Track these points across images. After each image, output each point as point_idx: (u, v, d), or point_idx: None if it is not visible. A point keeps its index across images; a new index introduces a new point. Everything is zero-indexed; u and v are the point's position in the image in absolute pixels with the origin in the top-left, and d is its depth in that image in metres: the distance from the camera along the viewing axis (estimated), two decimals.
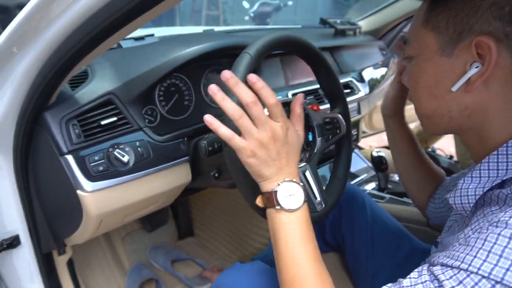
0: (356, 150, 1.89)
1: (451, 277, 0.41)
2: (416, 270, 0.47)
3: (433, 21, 0.51)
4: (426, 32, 0.52)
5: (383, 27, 1.72)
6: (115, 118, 0.74)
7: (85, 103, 0.71)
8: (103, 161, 0.71)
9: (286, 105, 0.82)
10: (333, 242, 0.96)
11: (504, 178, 0.48)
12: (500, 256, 0.39)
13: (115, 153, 0.72)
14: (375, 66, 1.64)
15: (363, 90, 1.37)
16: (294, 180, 0.56)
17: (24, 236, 0.86)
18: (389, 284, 0.49)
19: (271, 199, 0.54)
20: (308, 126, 0.83)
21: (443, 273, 0.43)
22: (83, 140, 0.70)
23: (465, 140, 0.57)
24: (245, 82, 0.65)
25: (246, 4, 5.46)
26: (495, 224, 0.41)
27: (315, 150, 0.81)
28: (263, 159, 0.54)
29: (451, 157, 1.61)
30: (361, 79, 1.43)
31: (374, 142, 2.96)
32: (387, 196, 1.18)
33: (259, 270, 0.69)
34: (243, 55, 0.67)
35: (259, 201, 0.58)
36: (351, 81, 1.36)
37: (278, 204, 0.54)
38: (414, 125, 2.29)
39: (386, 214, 0.92)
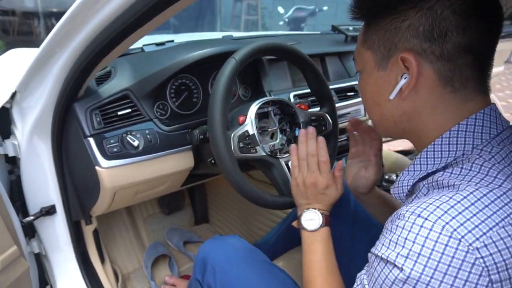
0: None
1: (373, 260, 0.52)
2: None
3: (368, 41, 0.59)
4: (364, 51, 0.60)
5: None
6: (129, 110, 0.90)
7: (106, 97, 0.88)
8: (117, 144, 0.87)
9: (276, 103, 0.94)
10: None
11: (429, 171, 0.56)
12: (396, 242, 0.48)
13: (127, 138, 0.88)
14: None
15: None
16: (317, 209, 0.74)
17: (59, 206, 1.04)
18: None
19: (298, 221, 0.75)
20: (295, 123, 0.94)
21: (370, 257, 0.54)
22: (102, 126, 0.86)
23: (410, 141, 0.64)
24: (229, 83, 0.78)
25: (281, 10, 5.58)
26: (396, 216, 0.51)
27: None
28: (301, 192, 0.77)
29: None
30: None
31: (400, 147, 2.95)
32: None
33: (234, 241, 0.82)
34: (229, 59, 0.80)
35: (295, 223, 0.78)
36: (357, 84, 1.44)
37: (301, 225, 0.74)
38: None
39: None
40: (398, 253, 0.47)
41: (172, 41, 1.20)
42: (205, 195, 1.67)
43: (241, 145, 0.80)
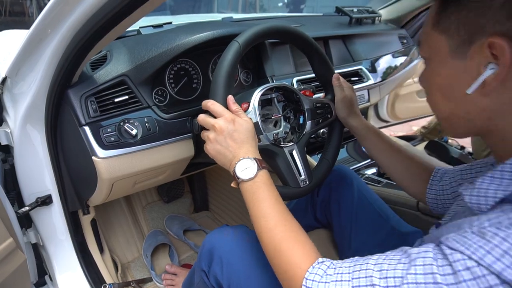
0: None
1: (458, 261, 0.41)
2: (417, 248, 0.48)
3: (443, 24, 0.50)
4: (436, 35, 0.52)
5: (404, 16, 1.71)
6: (126, 97, 0.85)
7: (101, 83, 0.83)
8: (114, 133, 0.83)
9: (280, 90, 0.90)
10: (323, 219, 1.03)
11: None
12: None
13: (125, 126, 0.83)
14: (395, 55, 1.65)
15: (372, 78, 1.40)
16: (248, 157, 0.67)
17: (55, 196, 1.01)
18: (397, 251, 0.50)
19: (234, 177, 0.68)
20: (299, 110, 0.91)
21: (451, 254, 0.43)
22: (98, 114, 0.82)
23: (487, 141, 0.55)
24: (232, 68, 0.74)
25: None
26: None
27: (304, 132, 0.88)
28: (219, 148, 0.70)
29: (462, 147, 1.60)
30: (373, 68, 1.45)
31: (400, 132, 2.93)
32: (384, 181, 1.22)
33: (241, 232, 0.79)
34: (232, 43, 0.75)
35: (233, 184, 0.70)
36: (360, 69, 1.40)
37: (238, 178, 0.66)
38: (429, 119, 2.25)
39: (374, 196, 0.97)
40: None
41: (170, 23, 1.14)
42: (204, 182, 1.65)
43: None
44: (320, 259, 0.55)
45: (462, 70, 0.49)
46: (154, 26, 1.10)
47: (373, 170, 1.42)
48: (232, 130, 0.69)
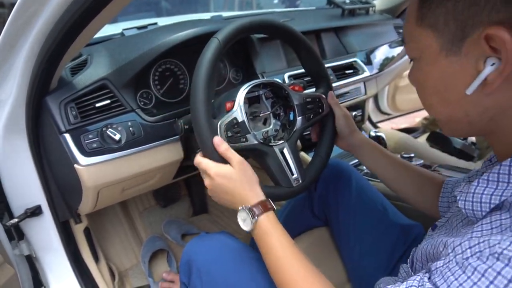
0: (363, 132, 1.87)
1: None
2: (411, 278, 0.46)
3: (429, 18, 0.44)
4: (422, 31, 0.45)
5: (399, 5, 1.66)
6: (109, 101, 0.83)
7: (81, 88, 0.80)
8: (97, 139, 0.80)
9: (268, 86, 0.87)
10: (321, 215, 1.00)
11: None
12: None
13: (108, 132, 0.81)
14: (391, 45, 1.60)
15: (368, 70, 1.35)
16: (243, 207, 0.65)
17: (45, 206, 0.98)
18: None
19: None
20: (289, 106, 0.87)
21: None
22: (79, 120, 0.79)
23: (489, 141, 0.50)
24: (212, 67, 0.70)
25: None
26: (496, 255, 0.37)
27: (295, 129, 0.84)
28: (218, 200, 0.71)
29: (465, 138, 1.55)
30: (368, 60, 1.41)
31: (403, 124, 2.87)
32: None
33: (220, 239, 0.76)
34: (211, 40, 0.72)
35: None
36: (355, 61, 1.36)
37: (243, 230, 0.66)
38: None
39: (372, 190, 0.94)
40: None
41: (156, 23, 1.11)
42: (202, 185, 1.60)
43: (230, 134, 0.73)
44: None
45: (458, 69, 0.43)
46: (138, 28, 1.07)
47: None
48: (221, 184, 0.67)
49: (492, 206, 0.43)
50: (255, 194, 0.67)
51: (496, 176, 0.44)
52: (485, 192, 0.44)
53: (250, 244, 1.14)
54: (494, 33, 0.38)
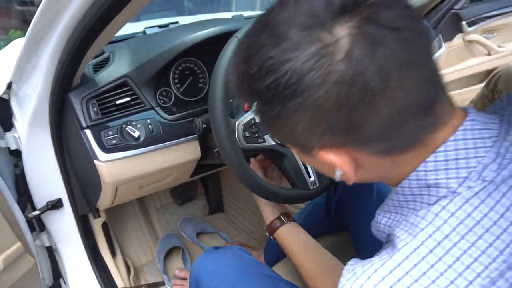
0: None
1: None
2: None
3: (277, 136, 0.49)
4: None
5: (425, 5, 1.61)
6: (129, 98, 0.84)
7: (103, 85, 0.82)
8: (116, 135, 0.81)
9: None
10: (337, 220, 0.98)
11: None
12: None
13: (127, 129, 0.82)
14: None
15: None
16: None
17: (65, 200, 1.01)
18: None
19: None
20: None
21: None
22: (100, 117, 0.81)
23: None
24: (230, 67, 0.70)
25: None
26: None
27: None
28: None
29: None
30: None
31: None
32: None
33: (228, 256, 0.76)
34: (231, 38, 0.72)
35: None
36: None
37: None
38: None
39: None
40: None
41: (177, 22, 1.12)
42: (219, 184, 1.62)
43: (247, 134, 0.73)
44: None
45: (319, 164, 0.46)
46: (160, 26, 1.08)
47: None
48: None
49: (386, 233, 0.48)
50: (270, 214, 0.82)
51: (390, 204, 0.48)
52: (383, 218, 0.49)
53: (266, 248, 1.13)
54: (324, 154, 0.40)
